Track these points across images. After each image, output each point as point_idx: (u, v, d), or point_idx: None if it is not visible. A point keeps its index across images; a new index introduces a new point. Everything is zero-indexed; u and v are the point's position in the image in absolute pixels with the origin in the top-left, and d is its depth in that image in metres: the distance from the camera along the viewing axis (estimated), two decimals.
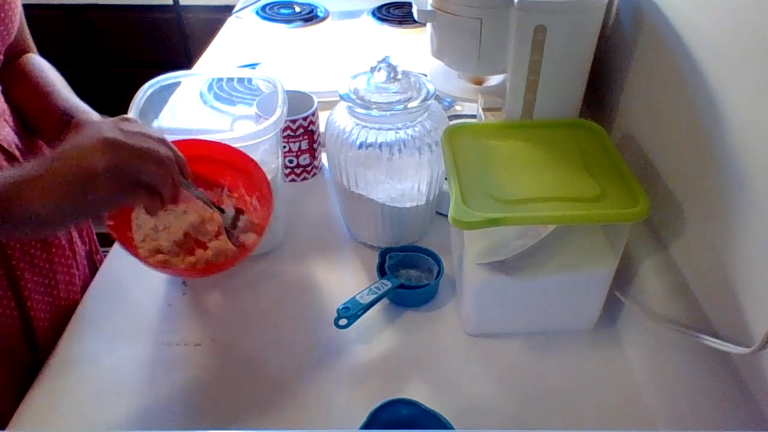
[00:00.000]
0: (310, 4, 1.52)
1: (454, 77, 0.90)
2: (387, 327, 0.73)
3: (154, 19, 1.76)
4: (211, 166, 0.71)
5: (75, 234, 0.82)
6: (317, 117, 0.92)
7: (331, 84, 1.06)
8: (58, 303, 0.76)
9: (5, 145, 0.70)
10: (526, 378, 0.67)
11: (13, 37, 0.72)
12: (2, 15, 0.69)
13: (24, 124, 0.76)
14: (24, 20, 0.80)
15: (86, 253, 0.85)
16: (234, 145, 0.72)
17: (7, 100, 0.75)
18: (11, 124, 0.74)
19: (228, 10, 1.53)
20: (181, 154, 0.60)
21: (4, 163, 0.70)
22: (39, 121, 0.75)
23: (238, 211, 0.68)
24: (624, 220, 0.62)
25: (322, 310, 0.74)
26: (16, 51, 0.79)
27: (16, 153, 0.72)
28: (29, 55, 0.81)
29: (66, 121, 0.70)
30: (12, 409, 0.63)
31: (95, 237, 0.89)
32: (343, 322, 0.68)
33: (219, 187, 0.73)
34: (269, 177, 0.77)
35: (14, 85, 0.76)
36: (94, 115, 0.71)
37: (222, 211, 0.67)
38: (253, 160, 0.68)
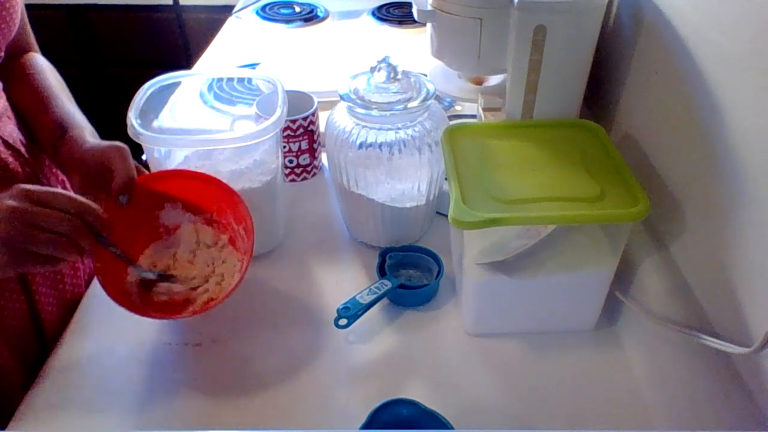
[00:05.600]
0: (310, 4, 1.52)
1: (454, 77, 0.90)
2: (387, 327, 0.73)
3: (154, 19, 1.76)
4: (202, 193, 0.72)
5: None
6: (317, 117, 0.92)
7: (331, 84, 1.06)
8: (64, 296, 0.77)
9: (10, 141, 0.71)
10: (526, 378, 0.67)
11: (13, 34, 0.72)
12: (3, 12, 0.69)
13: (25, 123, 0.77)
14: (26, 19, 0.80)
15: None
16: (234, 146, 0.72)
17: (9, 97, 0.75)
18: (14, 121, 0.74)
19: (228, 10, 1.53)
20: (95, 208, 0.59)
21: (10, 159, 0.70)
22: (34, 128, 0.76)
23: (167, 277, 0.70)
24: (624, 220, 0.62)
25: (322, 310, 0.74)
26: (18, 49, 0.79)
27: (21, 149, 0.73)
28: (31, 55, 0.81)
29: (60, 135, 0.71)
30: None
31: None
32: (343, 322, 0.69)
33: (208, 213, 0.74)
34: (269, 177, 0.77)
35: (14, 87, 0.76)
36: (87, 131, 0.72)
37: (132, 264, 0.68)
38: (237, 194, 0.69)
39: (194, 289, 0.70)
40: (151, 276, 0.69)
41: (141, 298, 0.69)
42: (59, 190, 0.59)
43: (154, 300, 0.69)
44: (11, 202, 0.55)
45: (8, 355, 0.69)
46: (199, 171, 0.70)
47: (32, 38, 0.82)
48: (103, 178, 0.66)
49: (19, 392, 0.65)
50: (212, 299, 0.68)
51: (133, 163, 0.68)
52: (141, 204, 0.69)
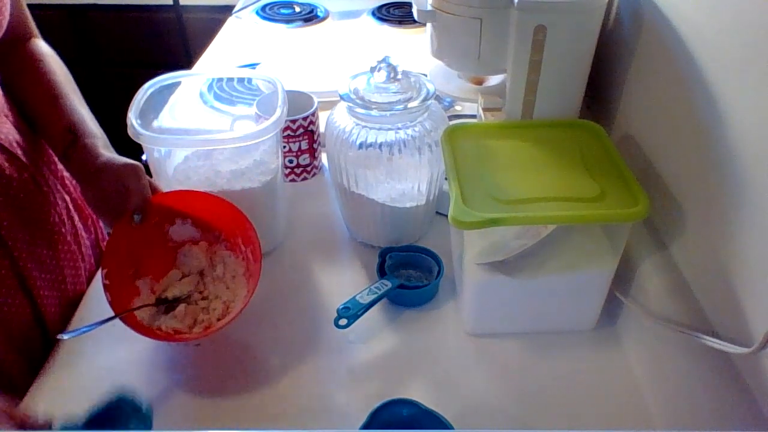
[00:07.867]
0: (310, 4, 1.52)
1: (454, 77, 0.90)
2: (387, 327, 0.73)
3: (154, 19, 1.76)
4: (212, 213, 0.73)
5: (80, 225, 0.82)
6: (317, 117, 0.92)
7: (331, 84, 1.06)
8: (66, 295, 0.77)
9: (6, 144, 0.69)
10: (526, 378, 0.67)
11: (2, 31, 0.71)
12: None
13: (26, 118, 0.76)
14: (24, 6, 0.79)
15: (92, 242, 0.85)
16: (234, 146, 0.73)
17: (8, 92, 0.74)
18: (12, 119, 0.73)
19: (228, 10, 1.53)
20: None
21: (5, 164, 0.68)
22: (42, 126, 0.75)
23: (179, 300, 0.71)
24: (624, 220, 0.62)
25: (322, 310, 0.74)
26: (18, 38, 0.78)
27: (17, 151, 0.71)
28: (35, 42, 0.80)
29: (71, 141, 0.70)
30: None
31: (101, 224, 0.90)
32: (343, 322, 0.69)
33: (217, 231, 0.74)
34: (269, 177, 0.77)
35: (19, 78, 0.75)
36: (100, 141, 0.72)
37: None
38: (248, 220, 0.70)
39: (204, 309, 0.71)
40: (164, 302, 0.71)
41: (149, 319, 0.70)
42: None
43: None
44: None
45: (11, 352, 0.69)
46: (211, 193, 0.72)
47: (32, 24, 0.81)
48: (118, 195, 0.68)
49: (23, 389, 0.65)
50: (218, 319, 0.69)
51: (147, 182, 0.70)
52: (152, 219, 0.71)
